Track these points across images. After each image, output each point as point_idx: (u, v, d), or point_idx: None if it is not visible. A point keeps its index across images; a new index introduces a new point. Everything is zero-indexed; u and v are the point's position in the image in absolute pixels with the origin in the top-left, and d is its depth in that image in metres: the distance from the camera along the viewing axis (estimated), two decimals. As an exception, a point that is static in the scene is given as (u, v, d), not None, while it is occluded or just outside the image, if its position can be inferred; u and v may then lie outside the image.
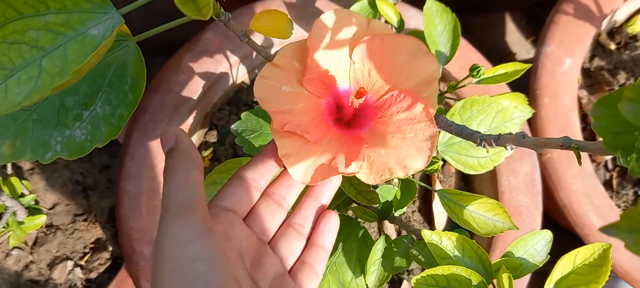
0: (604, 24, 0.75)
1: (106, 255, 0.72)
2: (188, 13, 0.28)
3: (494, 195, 0.67)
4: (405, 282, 0.67)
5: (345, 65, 0.38)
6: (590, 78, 0.76)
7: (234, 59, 0.65)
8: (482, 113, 0.55)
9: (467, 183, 0.72)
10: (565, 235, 0.69)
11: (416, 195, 0.70)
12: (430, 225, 0.70)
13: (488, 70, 0.58)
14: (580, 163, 0.33)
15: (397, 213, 0.56)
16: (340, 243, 0.55)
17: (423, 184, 0.53)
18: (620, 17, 0.78)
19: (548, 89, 0.67)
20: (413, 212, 0.70)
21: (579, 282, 0.41)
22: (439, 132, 0.52)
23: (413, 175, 0.52)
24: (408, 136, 0.38)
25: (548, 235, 0.47)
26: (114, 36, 0.30)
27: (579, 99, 0.72)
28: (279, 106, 0.36)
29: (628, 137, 0.27)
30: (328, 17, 0.37)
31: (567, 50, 0.70)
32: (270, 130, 0.37)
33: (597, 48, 0.78)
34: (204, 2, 0.28)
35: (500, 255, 0.64)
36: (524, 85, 0.72)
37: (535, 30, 1.02)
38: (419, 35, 0.60)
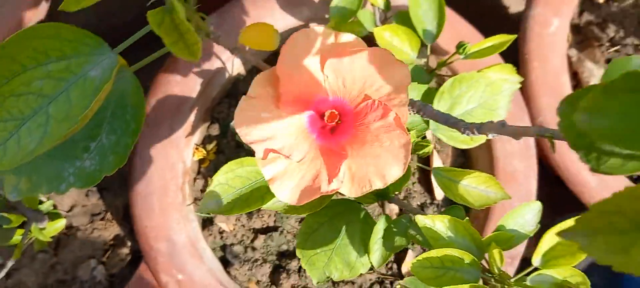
0: (592, -22, 0.76)
1: (126, 250, 0.76)
2: (178, 53, 0.30)
3: (489, 162, 0.69)
4: (410, 252, 0.71)
5: (319, 80, 0.39)
6: (579, 34, 0.77)
7: (228, 53, 0.67)
8: (471, 89, 0.57)
9: (464, 151, 0.75)
10: (565, 190, 0.72)
11: (413, 171, 0.73)
12: (431, 194, 0.73)
13: (475, 44, 0.59)
14: (554, 151, 0.35)
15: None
16: (344, 227, 0.58)
17: (421, 165, 0.56)
18: (607, -31, 0.78)
19: (537, 52, 0.69)
20: (413, 183, 0.73)
21: (565, 251, 0.44)
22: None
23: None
24: (385, 144, 0.39)
25: (537, 205, 0.50)
26: (113, 78, 0.32)
27: (569, 58, 0.74)
28: (261, 135, 0.38)
29: (589, 139, 0.29)
30: (294, 39, 0.38)
31: (554, 10, 0.71)
32: (256, 162, 0.39)
33: (586, 2, 0.78)
34: (193, 40, 0.30)
35: (497, 223, 0.67)
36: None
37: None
38: (406, 15, 0.61)
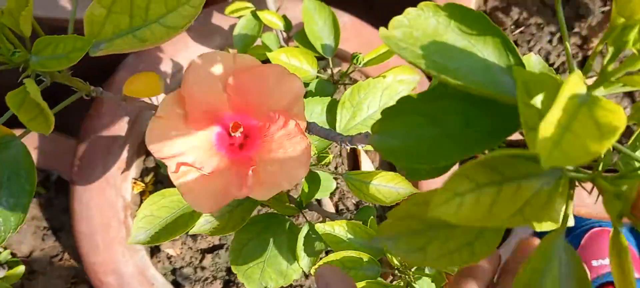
0: (494, -36, 0.79)
1: (86, 286, 0.79)
2: (36, 128, 0.34)
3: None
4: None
5: (223, 99, 0.43)
6: (490, 18, 0.81)
7: (151, 90, 0.71)
8: (370, 95, 0.61)
9: (389, 146, 0.78)
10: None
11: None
12: (363, 192, 0.76)
13: (370, 52, 0.63)
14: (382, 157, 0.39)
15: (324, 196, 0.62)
16: (271, 239, 0.62)
17: (334, 173, 0.60)
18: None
19: (442, 46, 0.72)
20: (347, 183, 0.77)
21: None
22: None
23: (320, 163, 0.58)
24: (289, 150, 0.43)
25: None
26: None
27: (477, 45, 0.77)
28: (172, 151, 0.41)
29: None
30: (196, 64, 0.41)
31: (459, 1, 0.75)
32: (169, 176, 0.42)
33: (493, -13, 0.82)
34: (48, 113, 0.34)
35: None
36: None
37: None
38: (305, 33, 0.65)
